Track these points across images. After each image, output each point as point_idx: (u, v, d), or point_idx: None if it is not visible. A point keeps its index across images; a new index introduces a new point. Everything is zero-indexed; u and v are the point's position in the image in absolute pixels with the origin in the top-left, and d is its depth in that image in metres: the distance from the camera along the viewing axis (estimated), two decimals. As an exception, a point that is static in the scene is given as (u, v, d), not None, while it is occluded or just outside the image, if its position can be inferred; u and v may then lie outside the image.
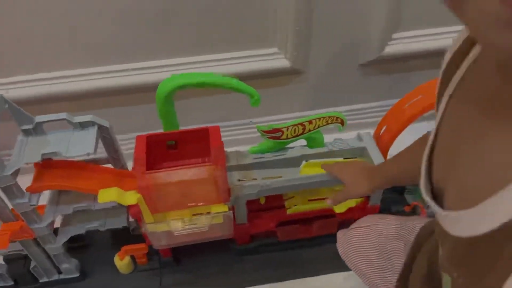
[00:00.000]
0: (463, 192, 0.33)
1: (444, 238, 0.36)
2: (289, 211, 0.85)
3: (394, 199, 0.94)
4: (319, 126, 0.79)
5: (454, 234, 0.33)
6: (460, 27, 0.31)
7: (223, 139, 1.10)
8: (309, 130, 0.79)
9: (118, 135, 0.78)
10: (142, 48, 0.89)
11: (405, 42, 0.97)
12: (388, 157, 0.81)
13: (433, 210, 0.36)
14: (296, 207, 0.85)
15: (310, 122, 0.78)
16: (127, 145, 0.99)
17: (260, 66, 0.95)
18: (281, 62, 0.96)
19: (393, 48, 0.97)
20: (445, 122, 0.37)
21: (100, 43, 0.87)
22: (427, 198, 0.37)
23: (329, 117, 0.78)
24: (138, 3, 0.81)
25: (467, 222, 0.31)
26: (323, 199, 0.86)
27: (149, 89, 0.77)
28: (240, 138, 1.07)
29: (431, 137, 0.39)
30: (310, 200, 0.86)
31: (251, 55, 0.94)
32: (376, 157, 0.79)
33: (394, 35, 0.96)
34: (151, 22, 0.85)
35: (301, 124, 0.78)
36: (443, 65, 0.38)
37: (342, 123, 0.80)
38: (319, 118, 0.78)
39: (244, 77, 0.95)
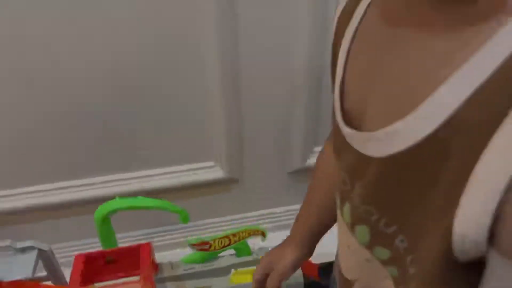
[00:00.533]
0: (390, 105, 0.31)
1: (359, 172, 0.33)
2: (222, 317, 0.91)
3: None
4: (243, 238, 0.89)
5: (384, 154, 0.29)
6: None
7: (165, 242, 1.17)
8: (235, 242, 0.89)
9: (60, 243, 0.84)
10: (82, 166, 0.95)
11: (325, 154, 1.11)
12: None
13: (349, 136, 0.35)
14: (229, 313, 0.92)
15: (234, 235, 0.88)
16: (73, 252, 1.04)
17: (197, 178, 1.07)
18: (217, 173, 1.08)
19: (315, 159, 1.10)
20: (355, 50, 0.37)
21: (34, 162, 0.92)
22: (342, 125, 0.36)
23: (251, 230, 0.89)
24: (77, 127, 0.90)
25: (403, 132, 0.28)
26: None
27: (91, 202, 0.86)
28: (181, 241, 1.14)
29: (339, 75, 0.38)
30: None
31: (189, 169, 1.06)
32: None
33: (315, 149, 1.11)
34: (88, 142, 0.92)
35: (227, 236, 0.88)
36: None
37: (263, 234, 0.91)
38: (242, 231, 0.88)
39: (182, 188, 1.06)
